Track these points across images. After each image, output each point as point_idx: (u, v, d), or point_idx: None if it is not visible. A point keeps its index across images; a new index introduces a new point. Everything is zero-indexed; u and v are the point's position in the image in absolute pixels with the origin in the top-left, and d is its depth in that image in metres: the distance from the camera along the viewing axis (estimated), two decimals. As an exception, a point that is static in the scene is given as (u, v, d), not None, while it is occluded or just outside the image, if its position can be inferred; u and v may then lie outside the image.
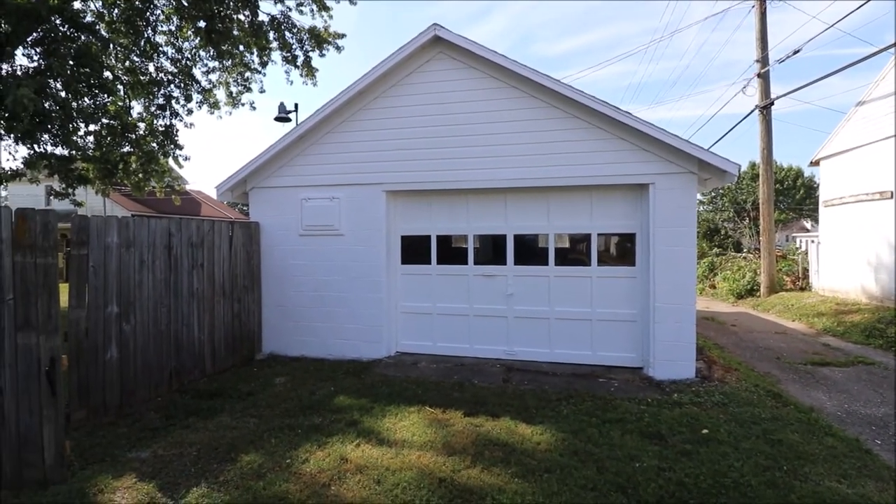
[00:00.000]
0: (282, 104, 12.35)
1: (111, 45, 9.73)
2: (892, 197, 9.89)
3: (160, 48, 10.60)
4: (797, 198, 36.59)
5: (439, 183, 6.56)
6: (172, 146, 11.04)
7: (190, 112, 11.20)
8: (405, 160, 6.62)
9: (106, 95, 9.63)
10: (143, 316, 5.11)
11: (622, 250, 6.40)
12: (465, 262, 6.79)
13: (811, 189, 39.30)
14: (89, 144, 10.10)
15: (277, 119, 12.58)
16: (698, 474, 3.44)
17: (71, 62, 8.49)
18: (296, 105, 12.83)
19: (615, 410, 4.70)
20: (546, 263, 6.50)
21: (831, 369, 6.67)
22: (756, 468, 3.55)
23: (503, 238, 6.65)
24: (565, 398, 5.07)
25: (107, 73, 9.74)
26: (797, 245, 17.94)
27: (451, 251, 6.95)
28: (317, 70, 11.53)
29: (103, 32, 9.62)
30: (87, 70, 8.68)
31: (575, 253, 6.57)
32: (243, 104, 12.01)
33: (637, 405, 4.87)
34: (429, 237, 6.92)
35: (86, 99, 9.40)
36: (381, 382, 5.65)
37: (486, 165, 6.36)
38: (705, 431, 4.18)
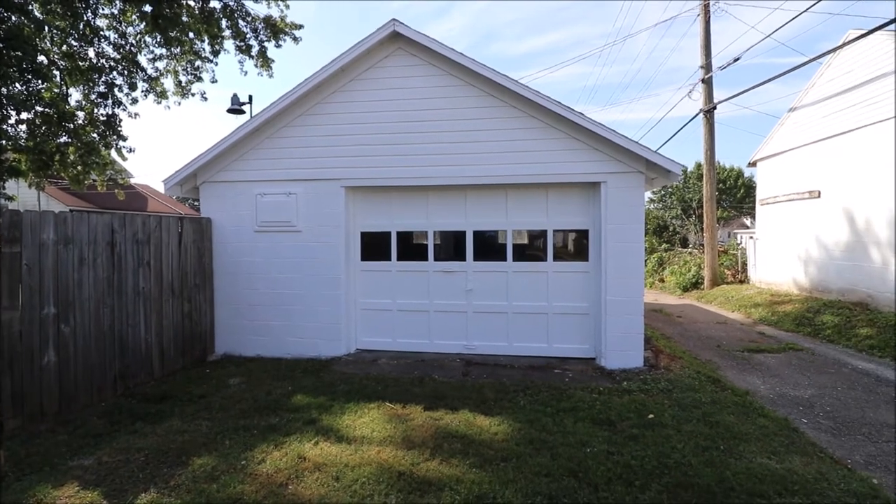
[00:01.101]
0: (235, 95, 11.90)
1: (46, 28, 9.07)
2: (819, 196, 10.72)
3: (101, 32, 9.96)
4: (738, 196, 38.83)
5: (399, 179, 6.56)
6: (115, 137, 10.42)
7: (135, 101, 10.61)
8: (365, 156, 6.58)
9: (40, 81, 8.97)
10: (83, 317, 4.84)
11: (576, 246, 6.63)
12: (426, 259, 6.83)
13: (751, 189, 41.77)
14: (21, 134, 9.38)
15: (231, 111, 12.11)
16: (644, 456, 3.64)
17: (0, 45, 7.85)
18: (250, 97, 12.40)
19: (569, 400, 4.88)
20: (504, 259, 6.64)
21: (765, 355, 7.20)
22: (696, 449, 3.80)
23: (463, 234, 6.73)
24: (522, 389, 5.22)
25: (41, 58, 9.07)
26: (738, 241, 19.09)
27: (411, 247, 6.97)
28: (273, 61, 11.17)
29: (37, 13, 8.95)
30: (19, 53, 8.05)
31: (532, 249, 6.75)
32: (193, 94, 11.45)
33: (589, 394, 5.08)
34: (389, 234, 6.91)
35: (17, 85, 8.72)
36: (340, 380, 5.61)
37: (446, 162, 6.41)
38: (651, 416, 4.43)
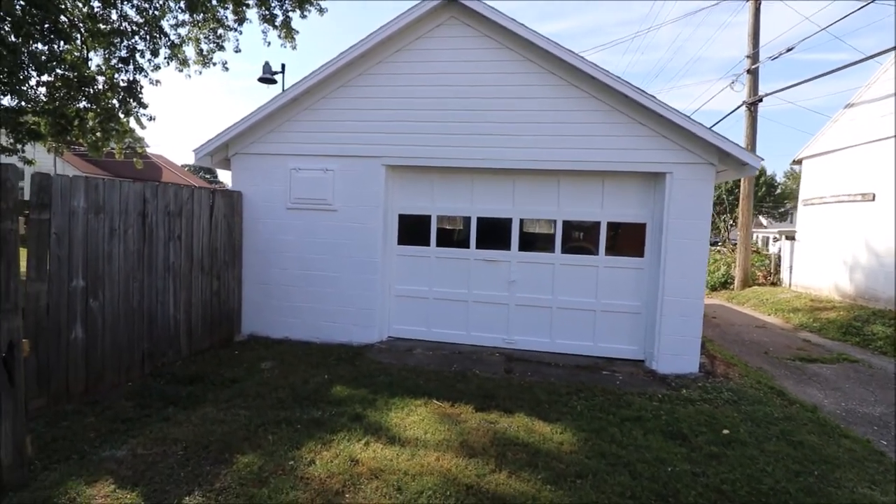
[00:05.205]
0: (267, 63, 11.33)
1: (69, -15, 8.64)
2: (873, 199, 10.15)
3: (125, -6, 9.50)
4: (759, 195, 37.98)
5: (444, 160, 6.12)
6: (135, 104, 10.03)
7: (157, 68, 10.17)
8: (408, 133, 6.14)
9: (62, 42, 8.57)
10: (112, 291, 4.51)
11: (631, 240, 6.17)
12: (467, 246, 6.42)
13: (771, 187, 40.97)
14: (41, 96, 9.03)
15: (262, 80, 11.58)
16: (733, 480, 3.27)
17: (22, 2, 7.45)
18: (283, 66, 11.81)
19: (629, 407, 4.51)
20: (552, 251, 6.22)
21: (819, 366, 6.78)
22: (788, 473, 3.42)
23: (508, 222, 6.31)
24: (575, 392, 4.86)
25: (63, 18, 8.65)
26: (753, 240, 18.52)
27: (451, 233, 6.57)
28: (297, 32, 10.64)
29: (60, -31, 8.50)
30: (41, 13, 7.65)
31: (582, 241, 6.32)
32: (215, 63, 10.98)
33: (649, 401, 4.71)
34: (429, 217, 6.50)
35: (38, 45, 8.34)
36: (377, 370, 5.28)
37: (495, 143, 5.96)
38: (726, 432, 4.05)
